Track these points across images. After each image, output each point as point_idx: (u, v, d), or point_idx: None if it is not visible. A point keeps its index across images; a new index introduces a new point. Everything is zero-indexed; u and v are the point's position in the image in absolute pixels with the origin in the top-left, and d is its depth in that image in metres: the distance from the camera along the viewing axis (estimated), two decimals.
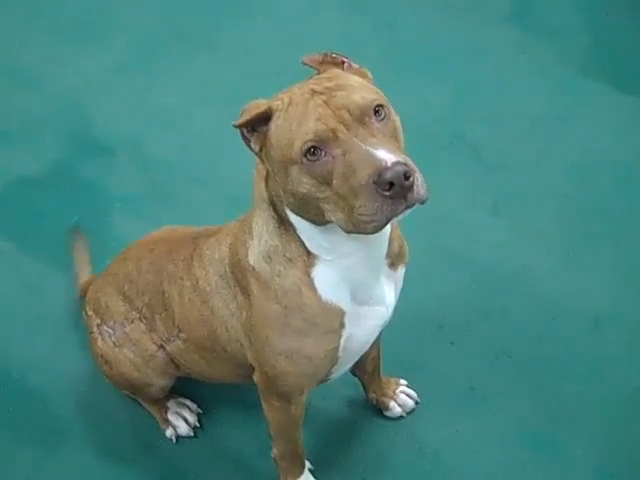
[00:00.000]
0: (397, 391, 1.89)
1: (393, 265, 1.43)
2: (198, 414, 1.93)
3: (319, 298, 1.34)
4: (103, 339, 1.76)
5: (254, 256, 1.37)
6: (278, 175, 1.23)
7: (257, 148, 1.26)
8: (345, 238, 1.26)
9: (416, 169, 1.15)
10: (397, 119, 1.23)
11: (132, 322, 1.72)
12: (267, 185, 1.29)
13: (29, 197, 2.44)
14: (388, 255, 1.39)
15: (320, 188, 1.17)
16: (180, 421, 1.88)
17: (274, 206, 1.30)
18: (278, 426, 1.61)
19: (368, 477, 1.83)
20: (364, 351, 1.54)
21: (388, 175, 1.10)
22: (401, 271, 1.47)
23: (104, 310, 1.77)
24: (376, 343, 1.70)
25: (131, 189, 2.43)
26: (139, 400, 1.91)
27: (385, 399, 1.88)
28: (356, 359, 1.56)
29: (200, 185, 2.42)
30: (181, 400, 1.92)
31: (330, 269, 1.32)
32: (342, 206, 1.16)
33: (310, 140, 1.15)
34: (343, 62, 1.29)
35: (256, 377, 1.53)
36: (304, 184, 1.18)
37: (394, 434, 1.89)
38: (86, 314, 1.83)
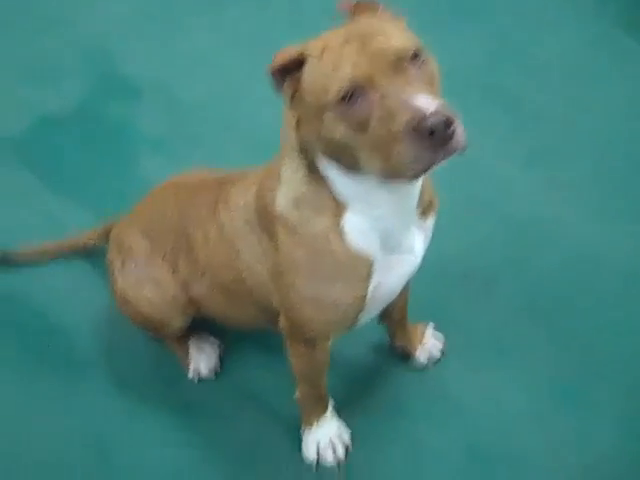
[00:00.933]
0: (424, 339, 1.88)
1: (423, 214, 1.41)
2: (220, 358, 1.91)
3: (348, 246, 1.33)
4: (124, 279, 1.75)
5: (282, 203, 1.35)
6: (311, 122, 1.20)
7: (289, 94, 1.23)
8: (377, 188, 1.24)
9: (457, 117, 1.11)
10: (434, 65, 1.20)
11: (155, 263, 1.71)
12: (298, 132, 1.27)
13: (55, 135, 2.42)
14: (419, 205, 1.37)
15: (356, 135, 1.15)
16: (202, 356, 1.87)
17: (304, 154, 1.28)
18: (302, 371, 1.61)
19: (389, 419, 1.81)
20: (392, 299, 1.52)
21: (430, 122, 1.07)
22: (431, 221, 1.45)
23: (127, 251, 1.76)
24: (404, 291, 1.68)
25: (158, 130, 2.41)
26: (162, 339, 1.90)
27: (411, 347, 1.87)
28: (384, 306, 1.54)
29: (228, 128, 2.39)
30: (203, 335, 1.91)
31: (360, 217, 1.31)
32: (379, 154, 1.14)
33: (347, 85, 1.13)
34: (377, 7, 1.25)
35: (281, 322, 1.52)
36: (339, 130, 1.16)
37: (419, 380, 1.87)
38: (109, 254, 1.82)
